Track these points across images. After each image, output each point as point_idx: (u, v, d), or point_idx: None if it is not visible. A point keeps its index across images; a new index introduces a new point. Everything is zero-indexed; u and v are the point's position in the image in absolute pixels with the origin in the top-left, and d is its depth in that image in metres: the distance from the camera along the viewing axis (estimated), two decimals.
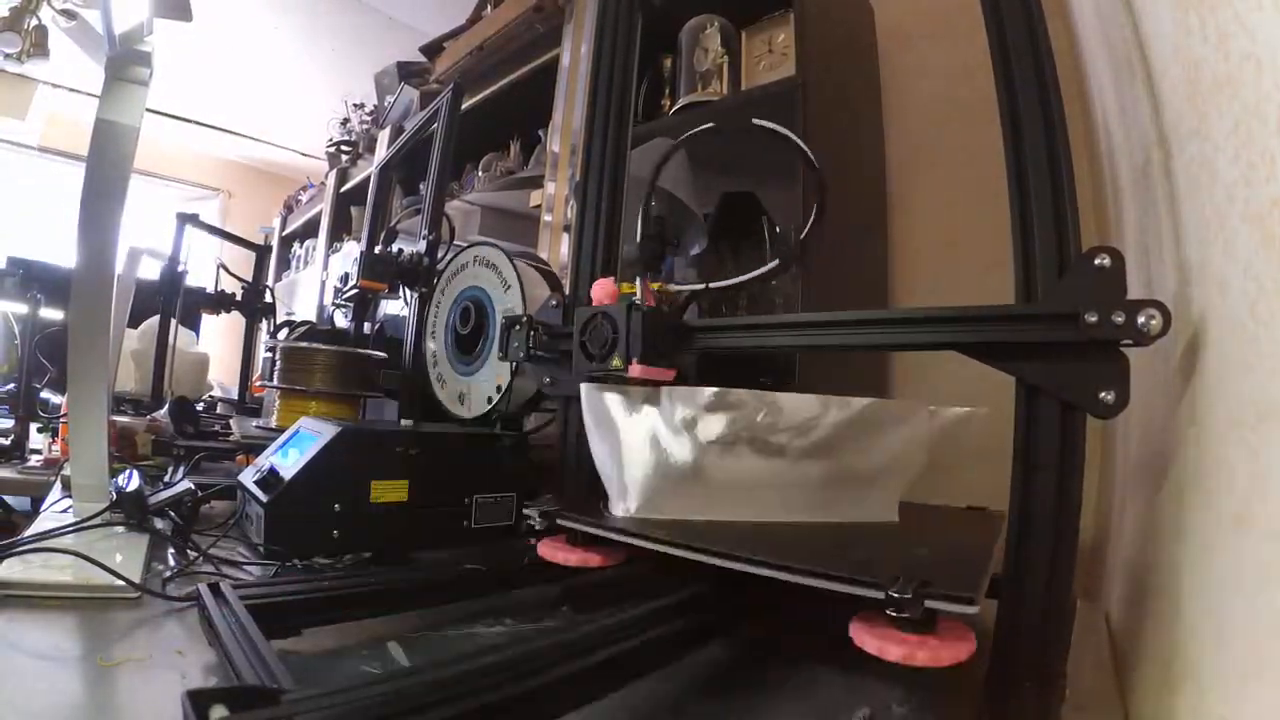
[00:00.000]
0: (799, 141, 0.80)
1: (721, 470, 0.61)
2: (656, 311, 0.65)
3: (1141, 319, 0.42)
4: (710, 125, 0.84)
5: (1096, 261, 0.45)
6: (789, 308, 1.12)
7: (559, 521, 0.62)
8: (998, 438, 0.50)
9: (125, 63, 0.75)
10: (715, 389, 0.58)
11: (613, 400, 0.64)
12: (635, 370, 0.62)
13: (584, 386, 0.66)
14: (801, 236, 0.77)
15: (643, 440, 0.62)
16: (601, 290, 0.68)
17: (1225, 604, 0.35)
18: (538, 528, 0.64)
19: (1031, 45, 0.50)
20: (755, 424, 0.59)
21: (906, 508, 0.66)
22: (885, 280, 1.41)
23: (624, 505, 0.62)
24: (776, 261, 0.78)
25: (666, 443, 0.61)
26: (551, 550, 0.62)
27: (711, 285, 0.81)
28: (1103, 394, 0.44)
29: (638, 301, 0.65)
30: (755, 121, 0.80)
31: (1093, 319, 0.43)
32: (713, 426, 0.59)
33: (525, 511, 0.62)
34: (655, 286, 0.77)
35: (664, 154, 0.80)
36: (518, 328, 0.75)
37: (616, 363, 0.64)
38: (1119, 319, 0.43)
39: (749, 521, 0.61)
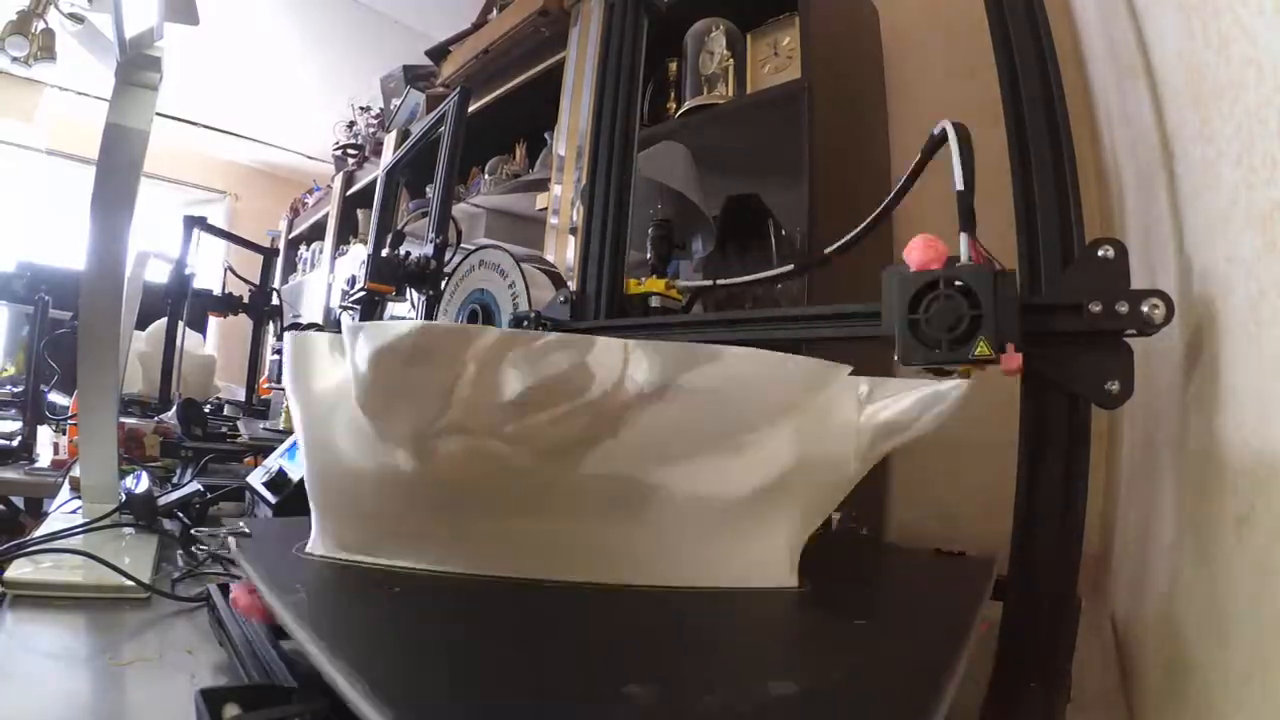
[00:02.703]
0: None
1: (445, 487, 0.38)
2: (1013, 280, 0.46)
3: (1145, 308, 0.42)
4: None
5: (1100, 253, 0.45)
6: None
7: (233, 556, 0.45)
8: (992, 428, 0.50)
9: (135, 68, 0.76)
10: (416, 323, 0.38)
11: (321, 367, 0.43)
12: (1014, 361, 0.44)
13: (288, 336, 0.45)
14: (830, 250, 0.74)
15: (338, 436, 0.41)
16: (929, 251, 0.49)
17: (1228, 604, 0.35)
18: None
19: (1035, 45, 0.50)
20: (490, 396, 0.36)
21: (827, 554, 0.47)
22: None
23: (320, 539, 0.44)
24: (789, 267, 0.77)
25: (363, 437, 0.40)
26: (240, 593, 0.45)
27: (719, 283, 0.81)
28: (1108, 385, 0.44)
29: (967, 262, 0.47)
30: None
31: (1097, 309, 0.43)
32: (419, 408, 0.37)
33: (193, 533, 0.51)
34: (663, 282, 0.77)
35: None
36: (525, 324, 0.75)
37: (982, 349, 0.45)
38: (1123, 309, 0.43)
39: (522, 579, 0.39)
